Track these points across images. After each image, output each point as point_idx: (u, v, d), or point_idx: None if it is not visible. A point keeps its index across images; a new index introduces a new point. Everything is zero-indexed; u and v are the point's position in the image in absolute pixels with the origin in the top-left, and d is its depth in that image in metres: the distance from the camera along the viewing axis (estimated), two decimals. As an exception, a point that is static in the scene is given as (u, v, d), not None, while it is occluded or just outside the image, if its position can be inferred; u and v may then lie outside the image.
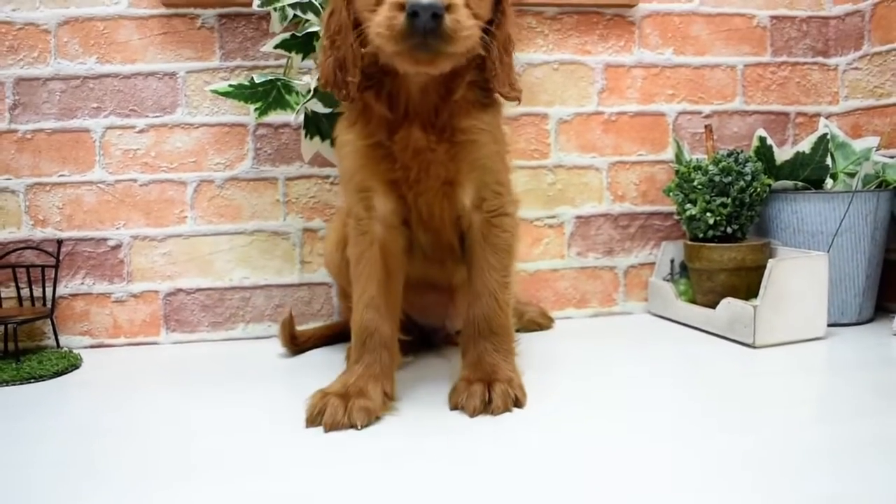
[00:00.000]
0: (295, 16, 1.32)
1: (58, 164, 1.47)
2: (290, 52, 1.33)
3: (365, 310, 1.05)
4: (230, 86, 1.33)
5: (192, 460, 0.86)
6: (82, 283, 1.49)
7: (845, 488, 0.73)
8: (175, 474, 0.82)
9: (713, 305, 1.41)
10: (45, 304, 1.44)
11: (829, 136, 1.46)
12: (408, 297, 1.15)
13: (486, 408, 0.98)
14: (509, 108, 1.59)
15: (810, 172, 1.47)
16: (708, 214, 1.42)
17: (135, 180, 1.49)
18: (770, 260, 1.32)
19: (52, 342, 1.45)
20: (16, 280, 1.43)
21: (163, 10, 1.48)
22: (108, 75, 1.48)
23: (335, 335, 1.41)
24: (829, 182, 1.49)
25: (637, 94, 1.66)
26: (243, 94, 1.34)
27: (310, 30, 1.29)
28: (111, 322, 1.50)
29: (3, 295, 1.44)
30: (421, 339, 1.33)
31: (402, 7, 0.85)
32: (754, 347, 1.29)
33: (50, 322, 1.44)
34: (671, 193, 1.51)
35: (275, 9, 1.31)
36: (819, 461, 0.80)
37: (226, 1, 1.47)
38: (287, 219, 1.54)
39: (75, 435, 0.96)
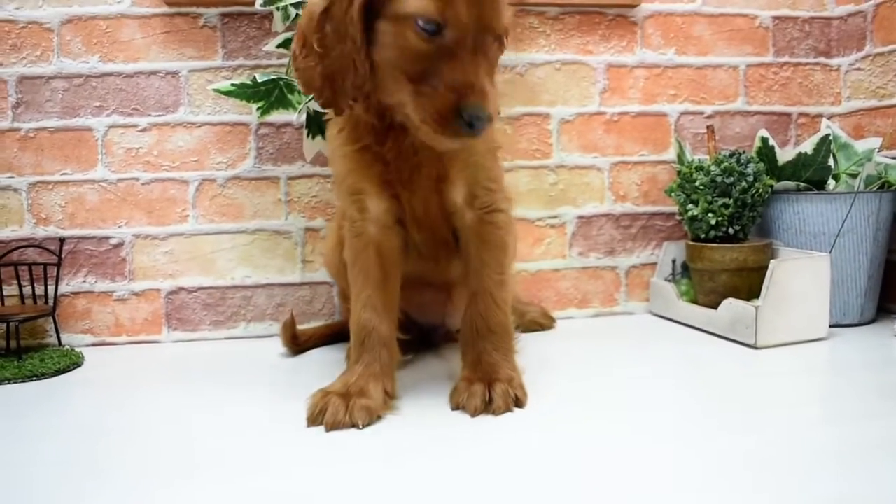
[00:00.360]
0: (297, 15, 1.32)
1: (60, 163, 1.47)
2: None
3: (363, 309, 1.05)
4: (232, 85, 1.33)
5: (193, 459, 0.86)
6: (84, 282, 1.49)
7: (849, 489, 0.73)
8: (177, 473, 0.82)
9: (715, 306, 1.41)
10: (47, 302, 1.44)
11: (831, 137, 1.46)
12: (405, 296, 1.14)
13: (487, 407, 0.98)
14: (511, 109, 1.59)
15: (812, 173, 1.47)
16: (710, 215, 1.42)
17: (137, 179, 1.49)
18: (772, 261, 1.32)
19: (53, 340, 1.46)
20: (18, 278, 1.43)
21: (165, 10, 1.48)
22: (110, 74, 1.48)
23: (336, 334, 1.41)
24: (831, 183, 1.49)
25: (639, 94, 1.66)
26: (245, 93, 1.34)
27: (312, 29, 1.29)
28: (113, 320, 1.50)
29: (5, 293, 1.44)
30: (420, 337, 1.33)
31: (455, 109, 0.87)
32: (756, 348, 1.29)
33: (52, 320, 1.44)
34: (673, 194, 1.51)
35: (277, 8, 1.31)
36: (822, 462, 0.80)
37: (228, 0, 1.47)
38: (289, 218, 1.54)
39: (77, 433, 0.96)
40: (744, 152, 1.46)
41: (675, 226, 1.68)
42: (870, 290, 1.46)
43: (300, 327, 1.38)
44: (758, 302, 1.31)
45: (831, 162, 1.46)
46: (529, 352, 1.32)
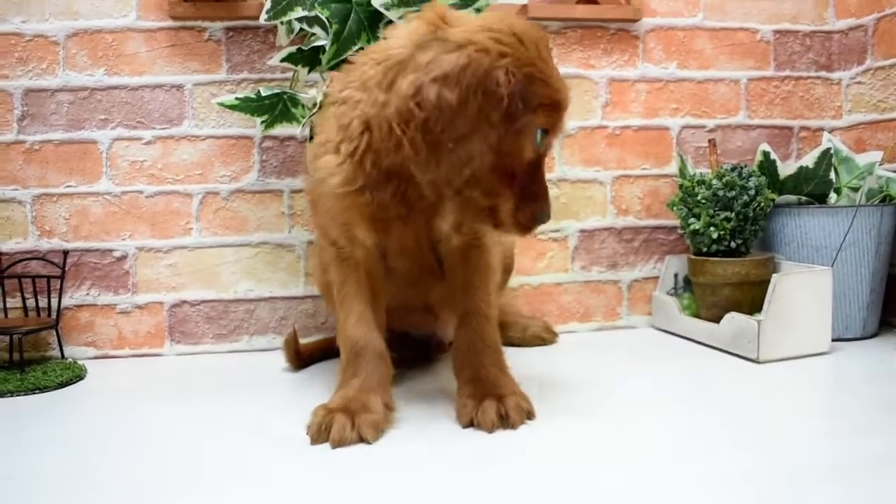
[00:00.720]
0: (301, 29, 1.33)
1: (65, 175, 1.48)
2: (296, 65, 1.33)
3: (356, 325, 1.05)
4: (237, 98, 1.34)
5: (195, 473, 0.87)
6: (87, 294, 1.50)
7: (850, 504, 0.73)
8: (179, 487, 0.82)
9: (717, 320, 1.41)
10: (50, 315, 1.45)
11: (832, 151, 1.46)
12: (396, 318, 1.17)
13: (504, 423, 0.98)
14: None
15: (814, 187, 1.47)
16: (711, 229, 1.42)
17: (141, 192, 1.50)
18: (774, 274, 1.32)
19: (56, 353, 1.46)
20: (21, 290, 1.44)
21: (170, 23, 1.49)
22: (115, 87, 1.49)
23: (338, 348, 1.41)
24: (832, 196, 1.49)
25: (641, 108, 1.66)
26: (250, 106, 1.35)
27: (316, 44, 1.30)
28: (116, 333, 1.50)
29: (8, 305, 1.45)
30: (414, 350, 1.33)
31: (539, 215, 0.96)
32: (758, 362, 1.29)
33: (55, 333, 1.45)
34: (675, 207, 1.52)
35: (281, 22, 1.32)
36: (825, 477, 0.80)
37: (233, 14, 1.49)
38: (292, 231, 1.54)
39: (79, 446, 0.96)
40: (745, 166, 1.47)
41: (678, 239, 1.68)
42: (872, 303, 1.46)
43: (302, 341, 1.38)
44: (760, 316, 1.31)
45: (833, 176, 1.46)
46: (532, 366, 1.32)
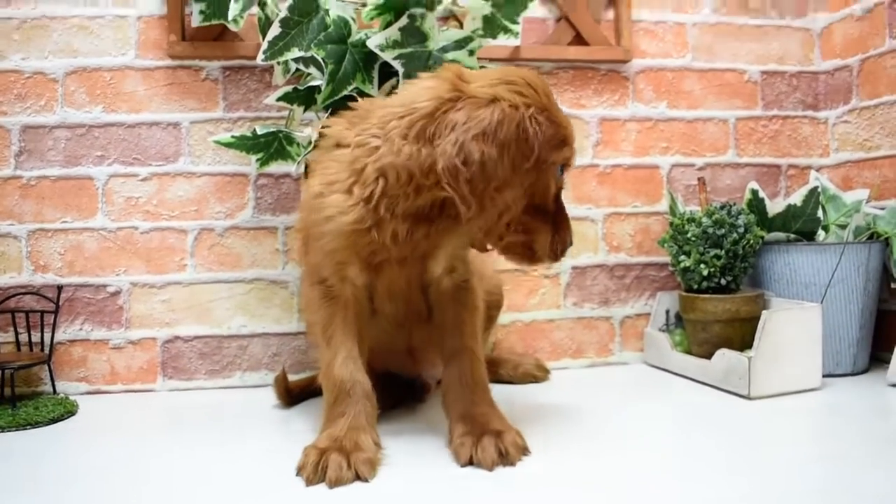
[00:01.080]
0: (297, 69, 1.35)
1: (60, 211, 1.49)
2: (291, 104, 1.35)
3: (344, 363, 1.05)
4: (233, 136, 1.36)
5: (188, 509, 0.86)
6: (81, 329, 1.50)
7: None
8: (171, 523, 0.82)
9: (708, 356, 1.42)
10: (42, 350, 1.45)
11: (819, 189, 1.49)
12: (382, 359, 1.19)
13: (503, 459, 0.99)
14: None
15: (802, 224, 1.49)
16: (702, 266, 1.43)
17: (136, 227, 1.51)
18: (764, 311, 1.33)
19: (48, 388, 1.45)
20: (14, 325, 1.44)
21: (168, 62, 1.51)
22: (113, 124, 1.51)
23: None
24: (820, 234, 1.51)
25: (631, 146, 1.69)
26: (245, 144, 1.36)
27: (311, 83, 1.32)
28: (108, 368, 1.50)
29: (1, 340, 1.45)
30: (400, 389, 1.33)
31: (563, 245, 1.05)
32: (750, 398, 1.30)
33: (47, 368, 1.44)
34: (665, 245, 1.53)
35: (278, 62, 1.34)
36: (814, 514, 0.81)
37: (230, 54, 1.51)
38: (286, 268, 1.55)
39: (71, 483, 0.96)
40: (734, 204, 1.49)
41: (669, 276, 1.69)
42: (862, 339, 1.47)
43: (295, 377, 1.38)
44: (750, 352, 1.32)
45: (820, 213, 1.49)
46: (524, 403, 1.32)
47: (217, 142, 1.36)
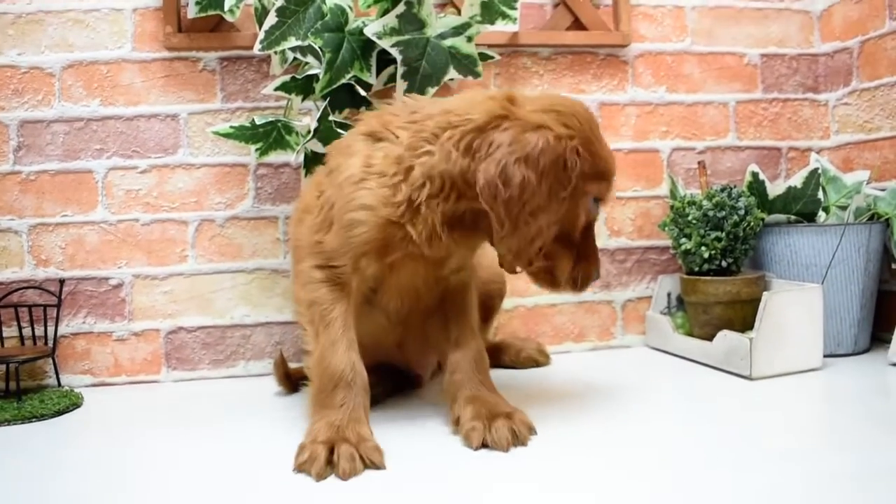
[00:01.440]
0: (295, 59, 1.35)
1: (61, 205, 1.49)
2: (290, 94, 1.35)
3: (346, 352, 1.04)
4: (231, 127, 1.36)
5: (193, 501, 0.87)
6: (84, 322, 1.50)
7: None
8: (177, 511, 0.83)
9: (710, 338, 1.42)
10: (46, 344, 1.45)
11: (820, 171, 1.48)
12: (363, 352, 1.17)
13: (515, 440, 1.00)
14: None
15: (802, 206, 1.49)
16: (703, 248, 1.43)
17: (137, 220, 1.51)
18: (765, 292, 1.33)
19: (53, 381, 1.46)
20: (18, 319, 1.44)
21: (165, 54, 1.51)
22: (111, 117, 1.51)
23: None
24: (821, 215, 1.51)
25: (631, 131, 1.69)
26: (244, 135, 1.37)
27: (309, 72, 1.32)
28: (112, 361, 1.51)
29: (4, 334, 1.45)
30: (393, 380, 1.32)
31: (587, 276, 1.09)
32: (751, 379, 1.30)
33: (51, 361, 1.45)
34: (666, 228, 1.53)
35: (275, 52, 1.34)
36: (820, 493, 0.81)
37: (227, 44, 1.51)
38: (287, 257, 1.55)
39: (77, 475, 0.96)
40: (735, 187, 1.49)
41: (670, 259, 1.69)
42: (863, 319, 1.48)
43: (297, 365, 1.38)
44: (752, 334, 1.32)
45: (821, 195, 1.49)
46: (529, 387, 1.32)
47: (216, 132, 1.36)
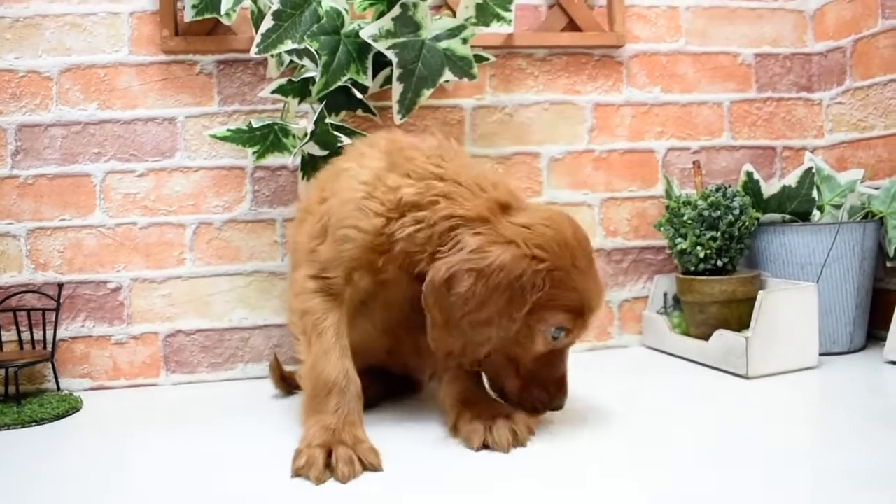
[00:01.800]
0: (291, 62, 1.36)
1: (59, 209, 1.50)
2: (286, 96, 1.36)
3: (340, 360, 1.05)
4: (228, 130, 1.36)
5: None
6: (82, 326, 1.50)
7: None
8: (178, 513, 0.83)
9: (706, 337, 1.43)
10: (45, 348, 1.45)
11: (814, 170, 1.49)
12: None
13: (516, 441, 1.00)
14: (502, 148, 1.63)
15: (797, 205, 1.50)
16: (698, 248, 1.44)
17: (135, 223, 1.52)
18: (760, 292, 1.34)
19: (52, 385, 1.46)
20: (16, 324, 1.44)
21: (162, 57, 1.52)
22: (108, 121, 1.51)
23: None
24: (816, 214, 1.52)
25: (626, 131, 1.69)
26: (241, 137, 1.37)
27: (306, 75, 1.33)
28: (111, 364, 1.51)
29: (3, 338, 1.45)
30: (388, 385, 1.32)
31: (549, 402, 1.06)
32: (748, 378, 1.31)
33: (50, 365, 1.45)
34: (662, 228, 1.54)
35: (272, 55, 1.34)
36: (817, 490, 0.82)
37: (224, 48, 1.51)
38: (285, 259, 1.56)
39: (76, 478, 0.97)
40: (730, 186, 1.49)
41: (666, 259, 1.70)
42: (858, 318, 1.48)
43: (293, 368, 1.39)
44: (748, 333, 1.33)
45: (815, 194, 1.49)
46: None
47: (213, 136, 1.37)
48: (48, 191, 1.49)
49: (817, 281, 1.43)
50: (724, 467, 0.89)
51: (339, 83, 1.31)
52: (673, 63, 1.71)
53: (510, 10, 1.39)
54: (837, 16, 1.70)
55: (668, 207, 1.54)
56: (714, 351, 1.40)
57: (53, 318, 1.46)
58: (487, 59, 1.47)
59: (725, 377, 1.34)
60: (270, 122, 1.37)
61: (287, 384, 1.37)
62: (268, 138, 1.38)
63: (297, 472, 0.93)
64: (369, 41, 1.28)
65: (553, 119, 1.66)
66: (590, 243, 1.05)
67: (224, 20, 1.37)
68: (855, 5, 1.65)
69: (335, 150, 1.37)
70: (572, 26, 1.64)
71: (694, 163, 1.60)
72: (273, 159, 1.41)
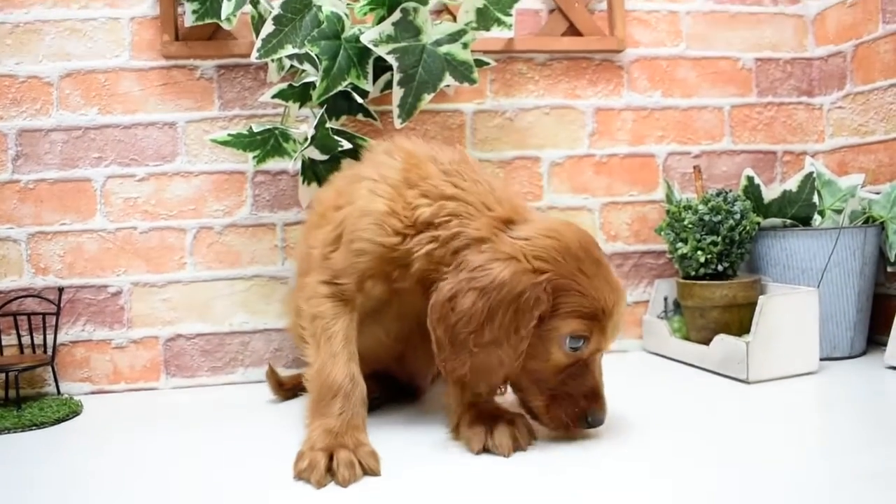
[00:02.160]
0: (292, 66, 1.36)
1: (59, 213, 1.50)
2: (287, 101, 1.36)
3: (348, 364, 1.05)
4: (229, 135, 1.37)
5: (193, 505, 0.87)
6: (83, 330, 1.50)
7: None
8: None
9: (707, 342, 1.42)
10: (45, 352, 1.45)
11: (815, 175, 1.49)
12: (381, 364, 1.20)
13: (516, 445, 1.00)
14: (503, 153, 1.63)
15: (798, 210, 1.50)
16: (699, 253, 1.44)
17: (135, 228, 1.52)
18: (761, 296, 1.34)
19: (52, 389, 1.46)
20: (17, 328, 1.44)
21: (163, 62, 1.52)
22: (108, 126, 1.51)
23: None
24: (816, 219, 1.52)
25: (627, 136, 1.69)
26: (242, 142, 1.37)
27: (306, 80, 1.33)
28: (111, 368, 1.51)
29: (3, 343, 1.45)
30: (391, 389, 1.32)
31: (584, 415, 1.01)
32: (748, 383, 1.31)
33: (51, 369, 1.45)
34: (662, 233, 1.54)
35: (272, 60, 1.35)
36: (818, 496, 0.81)
37: (224, 52, 1.51)
38: (285, 264, 1.56)
39: (77, 482, 0.97)
40: (730, 191, 1.49)
41: (666, 264, 1.70)
42: (859, 323, 1.48)
43: (295, 372, 1.39)
44: (748, 337, 1.33)
45: (816, 199, 1.49)
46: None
47: (213, 140, 1.37)
48: (49, 195, 1.50)
49: (818, 286, 1.43)
50: (723, 472, 0.89)
51: (340, 88, 1.31)
52: (673, 67, 1.71)
53: (511, 15, 1.39)
54: (838, 20, 1.70)
55: (668, 212, 1.54)
56: (714, 356, 1.39)
57: (54, 323, 1.46)
58: (488, 64, 1.47)
59: (726, 382, 1.34)
60: (271, 126, 1.37)
61: (284, 390, 1.37)
62: (268, 143, 1.38)
63: (299, 475, 0.93)
64: (370, 46, 1.28)
65: (553, 123, 1.66)
66: (598, 249, 1.03)
67: (224, 25, 1.37)
68: (855, 10, 1.65)
69: (336, 155, 1.37)
70: (573, 31, 1.64)
71: (694, 167, 1.60)
72: (273, 164, 1.41)
